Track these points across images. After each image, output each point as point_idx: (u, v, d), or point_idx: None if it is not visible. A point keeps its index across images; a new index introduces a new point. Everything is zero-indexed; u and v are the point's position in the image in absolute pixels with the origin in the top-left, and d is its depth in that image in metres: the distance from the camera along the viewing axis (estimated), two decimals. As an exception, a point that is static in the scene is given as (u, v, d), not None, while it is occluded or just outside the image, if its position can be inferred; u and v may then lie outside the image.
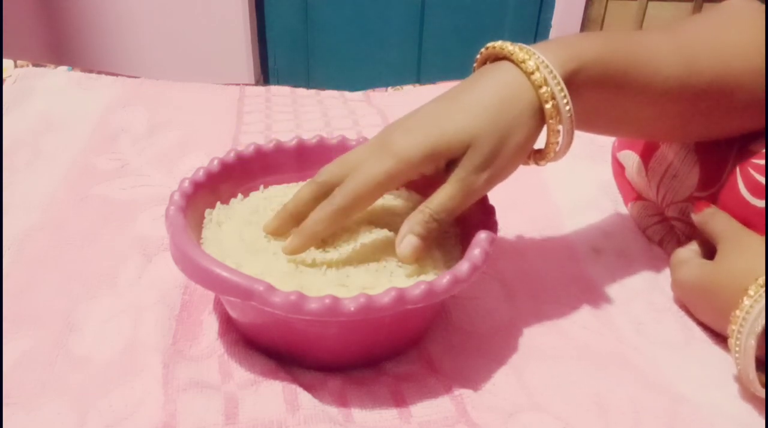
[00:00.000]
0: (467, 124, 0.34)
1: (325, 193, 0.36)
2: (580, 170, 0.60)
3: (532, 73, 0.34)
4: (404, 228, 0.36)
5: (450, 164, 0.35)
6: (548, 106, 0.35)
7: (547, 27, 1.86)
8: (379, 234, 0.39)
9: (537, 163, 0.39)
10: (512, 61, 0.35)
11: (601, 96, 0.37)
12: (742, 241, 0.39)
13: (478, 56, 0.39)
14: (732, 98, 0.40)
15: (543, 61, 0.35)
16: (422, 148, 0.34)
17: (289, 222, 0.37)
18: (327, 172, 0.37)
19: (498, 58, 0.37)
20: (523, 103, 0.35)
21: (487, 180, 0.35)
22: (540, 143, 0.38)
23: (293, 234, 0.37)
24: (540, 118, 0.35)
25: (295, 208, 0.37)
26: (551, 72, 0.34)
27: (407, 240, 0.35)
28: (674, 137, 0.47)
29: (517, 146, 0.35)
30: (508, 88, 0.35)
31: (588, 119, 0.39)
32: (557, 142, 0.37)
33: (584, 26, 1.82)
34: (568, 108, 0.35)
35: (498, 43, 0.37)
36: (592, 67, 0.36)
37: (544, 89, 0.34)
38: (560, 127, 0.36)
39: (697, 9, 1.72)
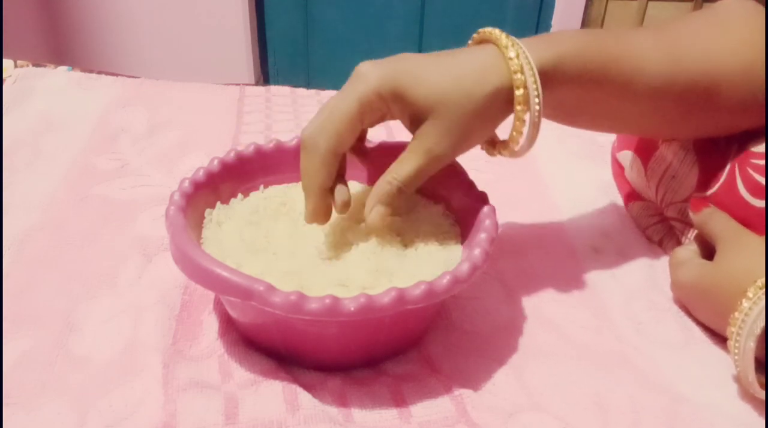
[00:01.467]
0: (439, 83, 0.35)
1: None
2: (580, 170, 0.60)
3: (512, 58, 0.35)
4: (372, 199, 0.37)
5: (414, 121, 0.36)
6: (519, 92, 0.35)
7: (547, 27, 1.86)
8: (380, 234, 0.39)
9: (500, 153, 0.40)
10: (497, 46, 0.36)
11: (582, 91, 0.38)
12: (741, 241, 0.39)
13: (470, 41, 0.40)
14: (719, 97, 0.40)
15: (524, 52, 0.36)
16: (393, 82, 0.35)
17: (320, 196, 0.37)
18: (309, 129, 0.36)
19: (488, 43, 0.38)
20: (496, 82, 0.35)
21: (451, 151, 0.36)
22: (507, 135, 0.38)
23: (305, 201, 0.37)
24: (509, 101, 0.36)
25: (315, 185, 0.37)
26: (529, 63, 0.35)
27: (376, 210, 0.37)
28: (662, 134, 0.47)
29: (482, 122, 0.36)
30: (486, 65, 0.36)
31: (571, 113, 0.40)
32: (522, 133, 0.37)
33: (584, 26, 1.82)
34: (537, 101, 0.36)
35: (488, 29, 0.38)
36: (570, 61, 0.37)
37: (518, 75, 0.35)
38: (527, 117, 0.36)
39: (697, 9, 1.72)
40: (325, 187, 0.37)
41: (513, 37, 0.36)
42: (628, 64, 0.38)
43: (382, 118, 0.37)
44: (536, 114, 0.36)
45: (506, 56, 0.36)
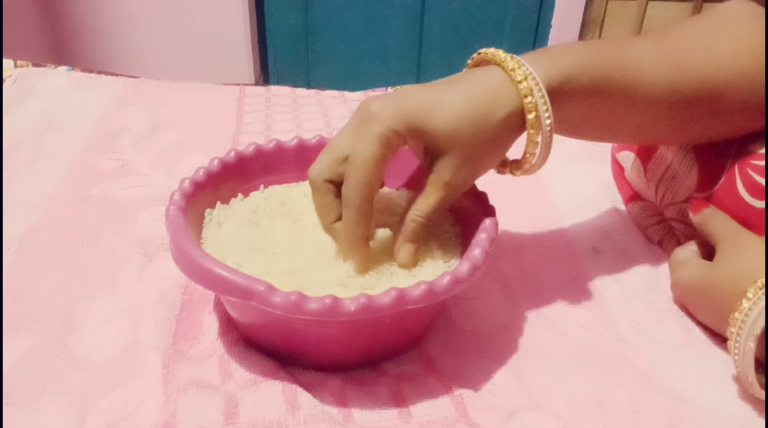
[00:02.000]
0: (453, 116, 0.35)
1: (336, 189, 0.36)
2: (580, 170, 0.60)
3: (520, 82, 0.35)
4: (401, 238, 0.37)
5: (428, 153, 0.36)
6: (531, 116, 0.35)
7: (547, 27, 1.86)
8: (380, 234, 0.39)
9: (512, 173, 0.40)
10: (503, 68, 0.36)
11: (587, 105, 0.38)
12: (741, 242, 0.39)
13: (470, 61, 0.40)
14: (722, 102, 0.40)
15: (531, 73, 0.35)
16: (408, 118, 0.34)
17: (366, 245, 0.37)
18: (323, 170, 0.36)
19: (489, 63, 0.38)
20: (507, 108, 0.35)
21: (470, 178, 0.37)
22: (518, 154, 0.38)
23: (351, 255, 0.37)
24: (521, 125, 0.36)
25: (331, 220, 0.37)
26: (537, 84, 0.35)
27: (405, 249, 0.37)
28: (666, 141, 0.47)
29: (497, 147, 0.36)
30: (495, 91, 0.35)
31: (576, 127, 0.40)
32: (534, 154, 0.37)
33: (584, 26, 1.82)
34: (548, 122, 0.36)
35: (491, 50, 0.37)
36: (577, 78, 0.36)
37: (529, 99, 0.35)
38: (539, 139, 0.36)
39: (697, 9, 1.72)
40: (366, 236, 0.36)
41: (518, 58, 0.36)
42: (632, 76, 0.38)
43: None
44: (548, 135, 0.36)
45: (514, 80, 0.35)
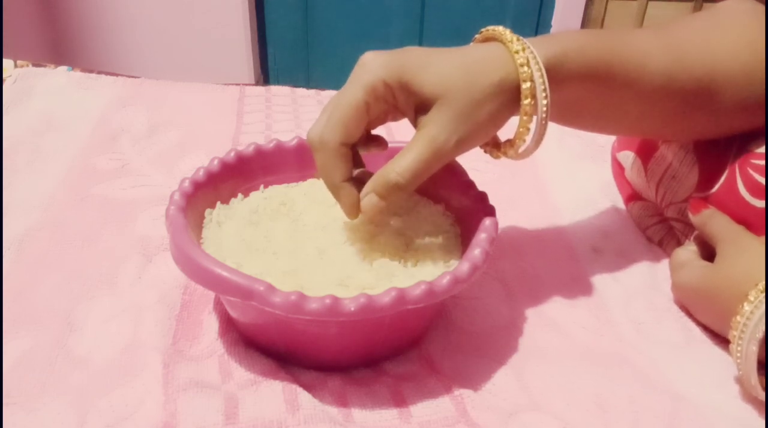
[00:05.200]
0: (446, 72, 0.35)
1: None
2: (580, 170, 0.60)
3: (517, 52, 0.35)
4: (368, 187, 0.36)
5: (419, 111, 0.36)
6: (526, 85, 0.35)
7: (547, 27, 1.86)
8: (380, 234, 0.39)
9: (505, 154, 0.39)
10: (502, 42, 0.36)
11: (585, 89, 0.38)
12: (742, 243, 0.39)
13: (473, 41, 0.39)
14: (719, 98, 0.40)
15: (528, 47, 0.35)
16: (399, 70, 0.34)
17: (349, 189, 0.37)
18: (315, 127, 0.36)
19: (491, 40, 0.38)
20: (502, 73, 0.35)
21: (456, 143, 0.35)
22: (511, 134, 0.38)
23: (338, 200, 0.37)
24: (515, 95, 0.36)
25: (336, 180, 0.37)
26: (535, 58, 0.35)
27: (369, 198, 0.36)
28: (662, 135, 0.47)
29: (488, 114, 0.35)
30: (491, 59, 0.36)
31: (573, 112, 0.40)
32: (528, 129, 0.37)
33: (584, 26, 1.82)
34: (544, 95, 0.35)
35: (491, 27, 0.38)
36: (575, 59, 0.36)
37: (524, 69, 0.35)
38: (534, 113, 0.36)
39: (697, 9, 1.72)
40: (348, 179, 0.37)
41: (518, 36, 0.36)
42: (631, 62, 0.38)
43: (387, 112, 0.37)
44: (544, 109, 0.36)
45: (511, 50, 0.35)
